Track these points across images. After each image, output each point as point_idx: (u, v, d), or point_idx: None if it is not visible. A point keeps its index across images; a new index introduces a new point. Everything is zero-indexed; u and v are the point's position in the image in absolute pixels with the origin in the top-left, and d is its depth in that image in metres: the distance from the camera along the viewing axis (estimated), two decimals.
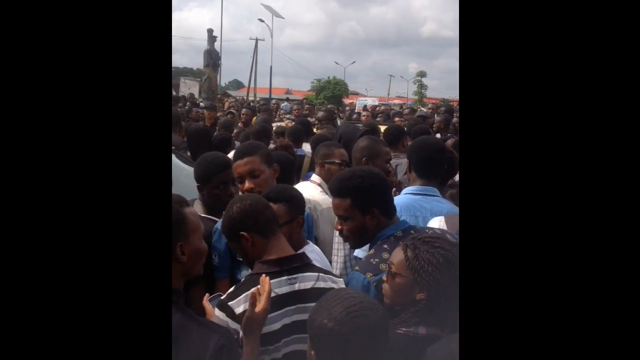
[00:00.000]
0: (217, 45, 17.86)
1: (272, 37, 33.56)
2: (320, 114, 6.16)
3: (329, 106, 6.72)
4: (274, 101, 15.36)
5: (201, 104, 11.23)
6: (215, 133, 5.47)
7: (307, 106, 8.86)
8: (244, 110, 7.50)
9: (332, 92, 39.92)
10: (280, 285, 1.69)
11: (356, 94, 49.18)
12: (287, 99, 21.14)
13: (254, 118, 7.27)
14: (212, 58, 16.19)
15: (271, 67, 31.75)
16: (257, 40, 35.00)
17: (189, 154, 4.63)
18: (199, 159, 2.71)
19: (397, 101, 33.58)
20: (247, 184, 2.33)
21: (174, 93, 12.06)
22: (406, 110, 8.66)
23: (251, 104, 13.02)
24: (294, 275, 1.71)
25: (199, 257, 1.55)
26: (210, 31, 16.64)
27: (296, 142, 4.41)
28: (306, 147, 4.52)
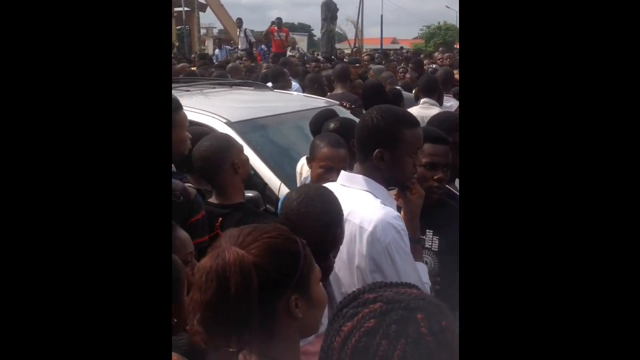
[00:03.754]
0: None
1: None
2: None
3: None
4: (404, 50, 14.87)
5: (320, 57, 11.05)
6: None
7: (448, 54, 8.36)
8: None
9: (443, 38, 38.12)
10: None
11: None
12: (402, 49, 20.43)
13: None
14: (330, 10, 15.84)
15: (382, 15, 30.89)
16: None
17: (364, 111, 4.49)
18: None
19: None
20: None
21: (289, 52, 11.95)
22: None
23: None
24: None
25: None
26: None
27: None
28: None
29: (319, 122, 2.84)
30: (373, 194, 1.74)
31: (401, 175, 1.78)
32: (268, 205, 2.92)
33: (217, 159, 2.15)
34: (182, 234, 1.62)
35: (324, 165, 2.32)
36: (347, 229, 1.67)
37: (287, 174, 3.07)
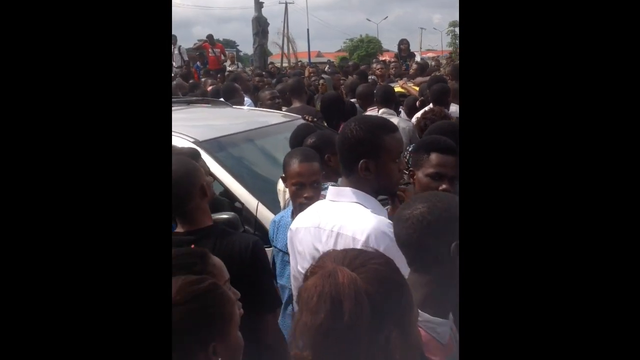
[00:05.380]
0: (239, 13, 17.45)
1: None
2: (448, 68, 5.89)
3: (456, 62, 6.25)
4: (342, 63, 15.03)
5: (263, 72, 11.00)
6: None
7: (393, 63, 8.52)
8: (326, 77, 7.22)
9: (366, 50, 39.13)
10: None
11: (388, 51, 48.15)
12: (329, 62, 20.71)
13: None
14: (261, 25, 15.82)
15: (308, 29, 31.32)
16: (286, 4, 34.48)
17: (325, 123, 4.46)
18: None
19: (430, 54, 32.71)
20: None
21: (229, 67, 11.81)
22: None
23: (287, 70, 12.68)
24: None
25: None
26: None
27: (446, 104, 4.17)
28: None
29: (299, 137, 2.78)
30: (362, 205, 1.72)
31: (388, 182, 1.78)
32: (247, 227, 2.81)
33: (188, 185, 1.94)
34: (217, 260, 1.50)
35: (295, 182, 2.27)
36: (341, 243, 1.65)
37: (262, 192, 2.97)
